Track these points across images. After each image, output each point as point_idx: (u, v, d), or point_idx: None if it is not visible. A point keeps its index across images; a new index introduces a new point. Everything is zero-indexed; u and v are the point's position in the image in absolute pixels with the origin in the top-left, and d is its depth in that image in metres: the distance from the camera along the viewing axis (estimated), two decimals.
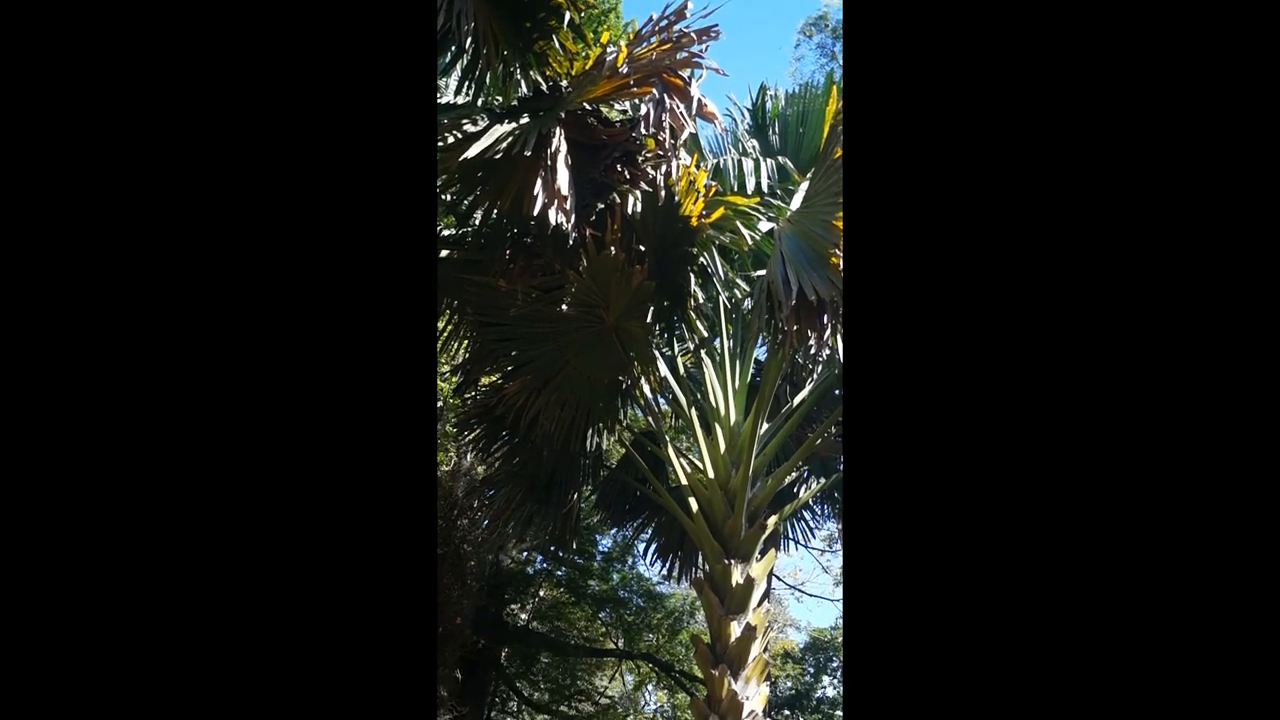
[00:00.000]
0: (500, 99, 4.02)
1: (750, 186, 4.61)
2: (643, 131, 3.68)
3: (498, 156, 3.56)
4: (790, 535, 5.85)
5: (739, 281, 4.66)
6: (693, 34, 3.62)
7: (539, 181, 3.44)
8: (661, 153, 3.88)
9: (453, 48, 3.77)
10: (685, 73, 3.66)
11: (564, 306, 4.03)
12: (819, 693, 11.34)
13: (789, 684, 11.35)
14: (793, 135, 5.03)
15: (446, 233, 4.36)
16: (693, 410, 4.46)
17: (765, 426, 4.42)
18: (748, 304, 4.72)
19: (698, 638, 4.24)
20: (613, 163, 3.89)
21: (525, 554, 8.29)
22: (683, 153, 4.19)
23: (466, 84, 3.91)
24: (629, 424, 5.12)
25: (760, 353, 5.11)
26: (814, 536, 6.31)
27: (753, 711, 3.83)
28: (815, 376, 4.86)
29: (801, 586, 12.55)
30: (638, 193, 3.95)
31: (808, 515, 5.90)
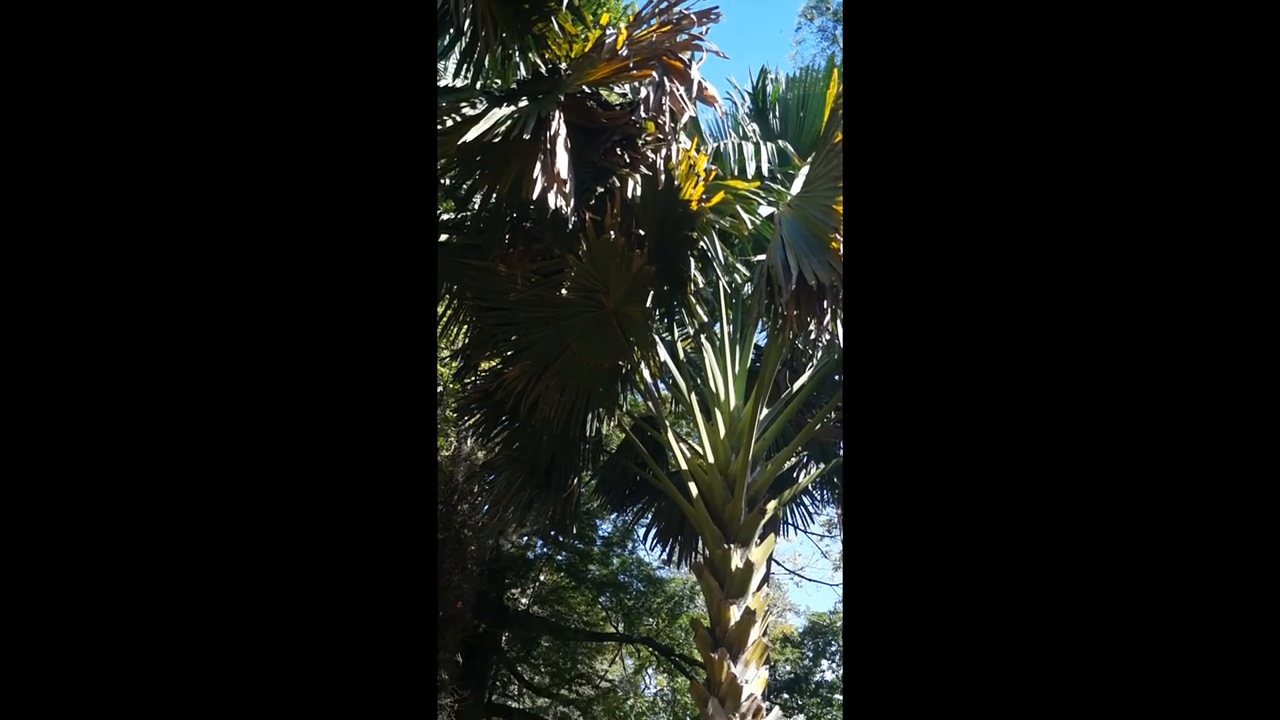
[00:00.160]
0: (499, 82, 4.00)
1: (750, 171, 4.59)
2: (642, 115, 3.66)
3: (496, 140, 3.54)
4: (789, 520, 5.87)
5: (739, 266, 4.65)
6: (693, 16, 3.59)
7: (538, 165, 3.42)
8: (661, 136, 3.86)
9: (451, 30, 3.74)
10: (685, 55, 3.63)
11: (563, 291, 4.02)
12: (817, 676, 11.41)
13: (788, 668, 11.42)
14: (793, 119, 5.00)
15: (445, 217, 4.34)
16: (692, 395, 4.46)
17: (765, 411, 4.42)
18: (748, 289, 4.71)
19: (697, 622, 4.26)
20: (612, 146, 3.87)
21: (525, 539, 8.32)
22: (683, 136, 4.17)
23: (465, 66, 3.88)
24: (629, 409, 5.12)
25: (760, 338, 5.10)
26: (813, 521, 6.33)
27: (752, 695, 3.85)
28: (815, 361, 4.85)
29: (800, 571, 12.61)
30: (637, 177, 3.93)
31: (807, 500, 5.91)
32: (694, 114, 4.00)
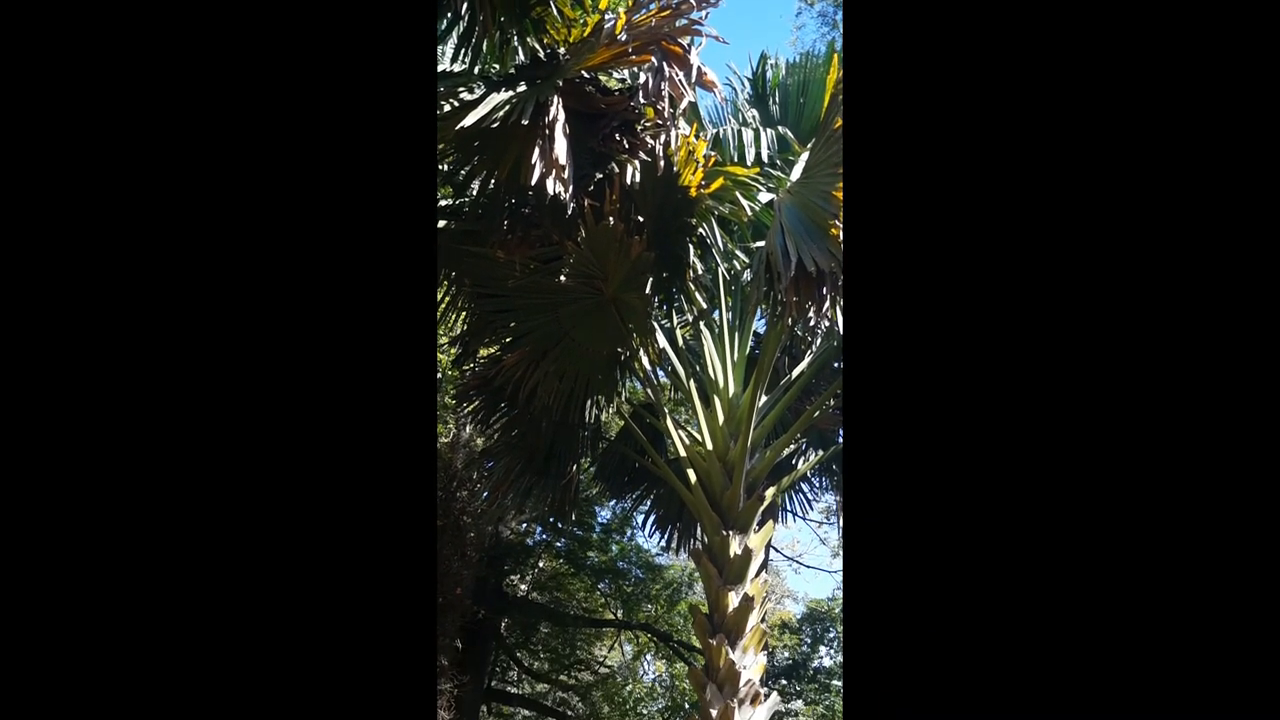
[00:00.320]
0: (497, 67, 3.97)
1: (750, 157, 4.58)
2: (641, 100, 3.65)
3: (495, 125, 3.53)
4: (788, 507, 5.88)
5: (738, 252, 4.64)
6: (692, 0, 3.57)
7: (536, 151, 3.41)
8: (660, 122, 3.85)
9: (449, 14, 3.72)
10: (685, 40, 3.61)
11: (562, 278, 4.01)
12: (815, 663, 11.48)
13: (786, 654, 11.48)
14: (793, 105, 4.98)
15: (444, 203, 4.32)
16: (691, 382, 4.46)
17: (764, 398, 4.42)
18: (747, 275, 4.70)
19: (696, 608, 4.27)
20: (611, 132, 3.86)
21: (524, 525, 8.34)
22: (682, 122, 4.15)
23: (463, 51, 3.86)
24: (628, 396, 5.12)
25: (759, 324, 5.10)
26: (811, 508, 6.36)
27: (750, 681, 3.87)
28: (814, 348, 4.85)
29: (799, 558, 12.66)
30: (636, 163, 3.92)
31: (806, 487, 5.92)
32: (693, 99, 3.98)
